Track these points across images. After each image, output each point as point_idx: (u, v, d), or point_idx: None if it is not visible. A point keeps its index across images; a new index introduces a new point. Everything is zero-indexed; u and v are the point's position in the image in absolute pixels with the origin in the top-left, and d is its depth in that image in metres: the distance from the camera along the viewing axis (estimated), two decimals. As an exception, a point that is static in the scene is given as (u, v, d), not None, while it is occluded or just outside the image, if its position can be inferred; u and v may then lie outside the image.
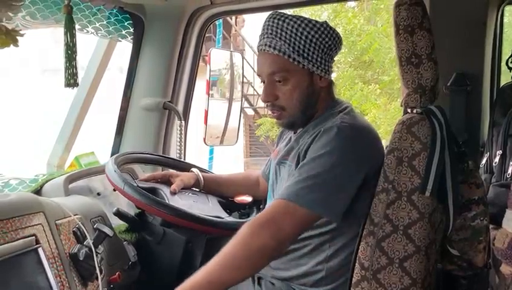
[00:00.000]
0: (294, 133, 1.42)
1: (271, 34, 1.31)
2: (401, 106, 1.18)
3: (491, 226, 1.25)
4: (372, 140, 1.28)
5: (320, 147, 1.22)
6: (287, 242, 1.19)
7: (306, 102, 1.34)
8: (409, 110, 1.16)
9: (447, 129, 1.12)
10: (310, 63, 1.30)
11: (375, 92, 6.34)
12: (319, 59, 1.31)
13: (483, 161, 1.61)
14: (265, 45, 1.32)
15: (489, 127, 1.66)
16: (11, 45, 1.05)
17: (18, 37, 1.05)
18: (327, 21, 1.36)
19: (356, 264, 1.14)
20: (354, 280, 1.14)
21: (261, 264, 1.18)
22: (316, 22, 1.31)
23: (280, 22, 1.30)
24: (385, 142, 1.26)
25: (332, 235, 1.28)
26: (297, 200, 1.17)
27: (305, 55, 1.29)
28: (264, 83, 1.36)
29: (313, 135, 1.28)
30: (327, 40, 1.30)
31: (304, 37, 1.29)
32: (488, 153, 1.61)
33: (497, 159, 1.55)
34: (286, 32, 1.29)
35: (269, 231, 1.14)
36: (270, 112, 1.40)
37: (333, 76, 1.42)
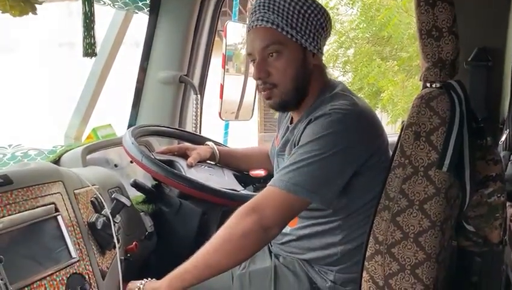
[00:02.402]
0: (291, 122, 1.40)
1: (263, 9, 1.28)
2: (420, 80, 1.16)
3: (508, 203, 1.24)
4: (365, 123, 1.26)
5: (310, 134, 1.22)
6: (273, 228, 1.19)
7: (299, 79, 1.30)
8: (428, 85, 1.13)
9: (466, 105, 1.10)
10: (303, 38, 1.28)
11: (392, 69, 6.23)
12: (311, 34, 1.29)
13: (503, 138, 1.59)
14: (257, 20, 1.29)
15: (509, 104, 1.63)
16: (30, 13, 1.04)
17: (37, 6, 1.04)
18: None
19: (370, 238, 1.14)
20: (368, 253, 1.15)
21: (246, 250, 1.19)
22: None
23: None
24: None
25: (342, 221, 1.29)
26: (280, 185, 1.18)
27: (298, 29, 1.27)
28: (254, 62, 1.32)
29: (305, 123, 1.27)
30: (319, 17, 1.29)
31: (296, 11, 1.27)
32: (508, 130, 1.58)
33: (516, 136, 1.52)
34: (278, 6, 1.27)
35: (252, 217, 1.16)
36: (262, 92, 1.34)
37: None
